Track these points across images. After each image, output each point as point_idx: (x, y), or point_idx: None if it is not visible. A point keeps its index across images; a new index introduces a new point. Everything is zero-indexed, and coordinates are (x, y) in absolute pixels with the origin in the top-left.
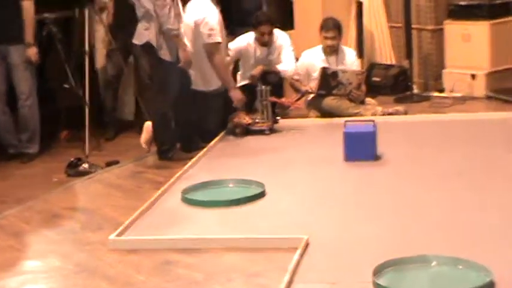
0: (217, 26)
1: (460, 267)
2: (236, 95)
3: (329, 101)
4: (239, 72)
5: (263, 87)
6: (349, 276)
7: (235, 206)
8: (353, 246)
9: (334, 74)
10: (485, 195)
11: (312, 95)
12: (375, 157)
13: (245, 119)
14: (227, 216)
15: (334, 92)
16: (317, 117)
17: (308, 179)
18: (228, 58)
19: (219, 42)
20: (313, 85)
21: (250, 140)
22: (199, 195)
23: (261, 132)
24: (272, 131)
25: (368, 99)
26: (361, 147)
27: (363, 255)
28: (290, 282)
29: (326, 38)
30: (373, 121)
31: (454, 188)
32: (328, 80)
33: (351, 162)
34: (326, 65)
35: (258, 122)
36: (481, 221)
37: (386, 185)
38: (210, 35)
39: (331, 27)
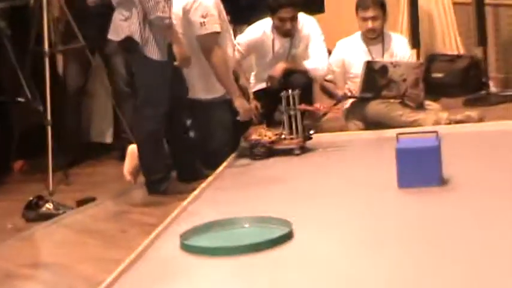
0: (214, 11)
1: None
2: (241, 105)
3: (375, 107)
4: (253, 73)
5: (290, 91)
6: None
7: (254, 252)
8: None
9: (383, 68)
10: None
11: (351, 100)
12: (440, 181)
13: (266, 135)
14: (242, 267)
15: (384, 93)
16: (359, 129)
17: (351, 214)
18: (238, 55)
19: (218, 32)
20: (352, 86)
21: (274, 163)
22: (203, 241)
23: (289, 152)
24: (304, 150)
25: (428, 103)
26: (420, 169)
27: None
28: None
29: (365, 19)
30: (436, 132)
31: None
32: (375, 78)
33: (408, 189)
34: (370, 58)
35: (284, 139)
36: None
37: (458, 221)
38: (203, 24)
39: (371, 4)
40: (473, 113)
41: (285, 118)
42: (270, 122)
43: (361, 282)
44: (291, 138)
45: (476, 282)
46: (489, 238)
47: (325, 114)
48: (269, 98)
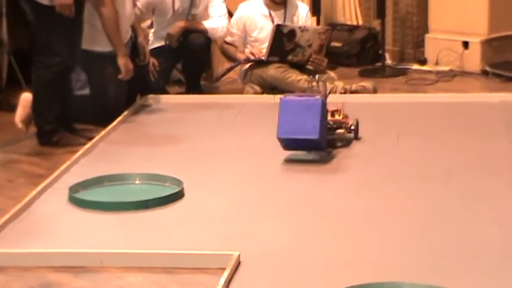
0: None
1: None
2: (125, 64)
3: (273, 71)
4: (152, 31)
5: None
6: None
7: (143, 209)
8: (300, 267)
9: (291, 33)
10: (481, 204)
11: (248, 64)
12: (318, 135)
13: None
14: (131, 223)
15: (290, 57)
16: (256, 93)
17: (241, 175)
18: (137, 12)
19: None
20: (254, 50)
21: (170, 121)
22: (93, 195)
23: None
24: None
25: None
26: (300, 120)
27: (312, 280)
28: None
29: None
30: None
31: (439, 193)
32: (283, 42)
33: (297, 153)
34: (271, 23)
35: None
36: (474, 239)
37: (346, 189)
38: None
39: None
40: (368, 83)
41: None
42: (167, 80)
43: (248, 241)
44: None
45: (369, 252)
46: (382, 208)
47: (222, 75)
48: (167, 56)
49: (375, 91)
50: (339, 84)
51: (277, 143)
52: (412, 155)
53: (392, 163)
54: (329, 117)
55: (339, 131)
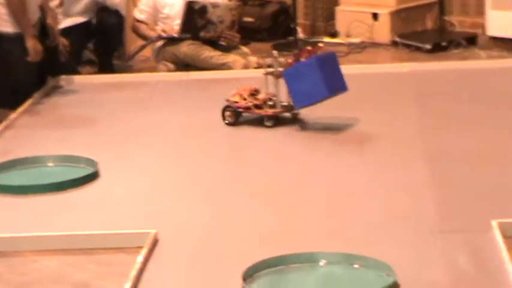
0: None
1: (356, 266)
2: (33, 46)
3: (186, 48)
4: (59, 11)
5: None
6: (212, 282)
7: (56, 192)
8: (217, 242)
9: (203, 9)
10: (393, 173)
11: (160, 42)
12: (328, 92)
13: (246, 98)
14: (45, 206)
15: (202, 34)
16: (170, 70)
17: (156, 155)
18: None
19: None
20: (162, 28)
21: (85, 103)
22: (5, 179)
23: (259, 121)
24: (276, 120)
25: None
26: (308, 85)
27: (230, 255)
28: None
29: None
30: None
31: (353, 163)
32: (195, 19)
33: (215, 130)
34: None
35: (272, 105)
36: (386, 208)
37: (261, 163)
38: None
39: None
40: (281, 57)
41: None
42: (79, 60)
43: (165, 220)
44: (272, 105)
45: (283, 224)
46: (292, 179)
47: (135, 54)
48: (78, 36)
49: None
50: (253, 60)
51: (193, 121)
52: (325, 126)
53: (306, 134)
54: (258, 98)
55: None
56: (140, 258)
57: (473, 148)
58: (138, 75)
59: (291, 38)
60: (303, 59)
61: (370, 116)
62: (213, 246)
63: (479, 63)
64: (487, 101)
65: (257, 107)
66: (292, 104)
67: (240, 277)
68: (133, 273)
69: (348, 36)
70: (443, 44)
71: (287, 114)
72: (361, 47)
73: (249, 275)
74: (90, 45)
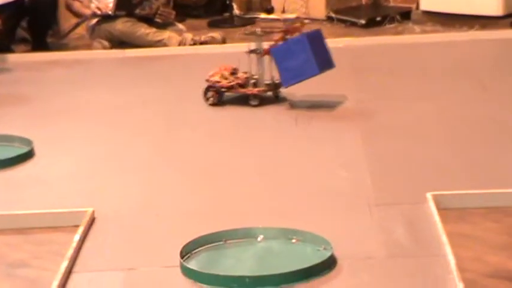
0: None
1: (294, 240)
2: None
3: (121, 26)
4: None
5: None
6: (150, 259)
7: None
8: (154, 220)
9: None
10: (328, 147)
11: (95, 19)
12: (318, 69)
13: (227, 77)
14: None
15: (137, 11)
16: (105, 48)
17: (92, 133)
18: None
19: None
20: (97, 5)
21: (14, 81)
22: None
23: (244, 100)
24: (261, 99)
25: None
26: (297, 62)
27: (167, 232)
28: (69, 272)
29: None
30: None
31: (288, 139)
32: None
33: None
34: None
35: (253, 83)
36: (323, 182)
37: (198, 141)
38: None
39: None
40: (217, 34)
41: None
42: (12, 38)
43: (102, 198)
44: (255, 84)
45: (220, 200)
46: (225, 158)
47: (69, 32)
48: (10, 14)
49: (223, 41)
50: (188, 36)
51: (129, 98)
52: (264, 101)
53: (243, 111)
54: (238, 77)
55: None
56: (77, 237)
57: (408, 122)
58: (72, 53)
59: (227, 14)
60: (289, 36)
61: (306, 90)
62: (151, 223)
63: (413, 37)
64: (421, 75)
65: (240, 86)
66: (275, 82)
67: (177, 254)
68: (70, 252)
69: (284, 12)
70: (378, 19)
71: (270, 93)
72: (297, 22)
73: (187, 251)
74: (24, 23)
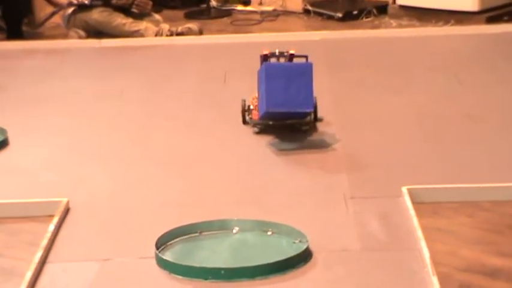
0: None
1: (269, 233)
2: None
3: (96, 15)
4: None
5: None
6: (125, 250)
7: None
8: (130, 211)
9: None
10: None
11: (71, 9)
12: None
13: None
14: None
15: (114, 1)
16: (81, 38)
17: (68, 122)
18: None
19: None
20: None
21: None
22: None
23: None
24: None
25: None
26: (291, 89)
27: (143, 223)
28: (43, 262)
29: None
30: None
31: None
32: None
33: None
34: None
35: None
36: (293, 174)
37: (175, 132)
38: None
39: None
40: (193, 25)
41: None
42: None
43: (78, 188)
44: None
45: (195, 192)
46: (203, 149)
47: (45, 20)
48: None
49: (200, 33)
50: (165, 27)
51: (105, 88)
52: (238, 94)
53: (219, 104)
54: None
55: None
56: (51, 227)
57: (384, 116)
58: (48, 42)
59: (204, 5)
60: (273, 60)
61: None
62: (126, 214)
63: (389, 31)
64: (397, 69)
65: None
66: None
67: (153, 245)
68: (45, 242)
69: (261, 4)
70: (355, 12)
71: None
72: (274, 15)
73: (162, 243)
74: None
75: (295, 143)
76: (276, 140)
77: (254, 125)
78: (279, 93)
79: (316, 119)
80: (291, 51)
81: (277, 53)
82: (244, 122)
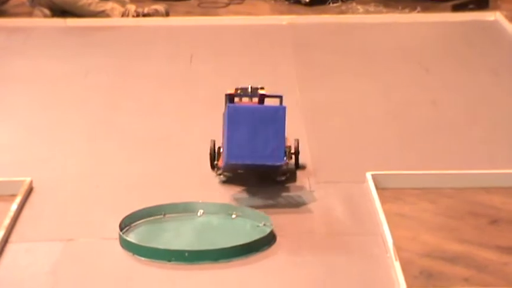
0: None
1: (234, 216)
2: None
3: None
4: None
5: None
6: (89, 231)
7: None
8: (93, 191)
9: None
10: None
11: None
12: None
13: None
14: None
15: None
16: (46, 17)
17: (33, 101)
18: None
19: None
20: None
21: None
22: None
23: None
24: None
25: None
26: (258, 138)
27: (106, 204)
28: (5, 241)
29: None
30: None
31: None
32: None
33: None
34: None
35: None
36: None
37: (140, 113)
38: None
39: None
40: (160, 6)
41: None
42: None
43: (41, 167)
44: None
45: (161, 173)
46: (164, 130)
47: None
48: None
49: (167, 14)
50: (131, 8)
51: (69, 68)
52: (204, 77)
53: (185, 86)
54: None
55: None
56: (14, 207)
57: (349, 101)
58: (12, 20)
59: None
60: (237, 102)
61: (248, 67)
62: (90, 195)
63: (356, 17)
64: (363, 55)
65: None
66: None
67: (117, 226)
68: (7, 221)
69: None
70: None
71: None
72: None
73: (126, 224)
74: None
75: None
76: None
77: (220, 174)
78: (243, 143)
79: (297, 166)
80: (261, 91)
81: (245, 92)
82: (213, 167)
